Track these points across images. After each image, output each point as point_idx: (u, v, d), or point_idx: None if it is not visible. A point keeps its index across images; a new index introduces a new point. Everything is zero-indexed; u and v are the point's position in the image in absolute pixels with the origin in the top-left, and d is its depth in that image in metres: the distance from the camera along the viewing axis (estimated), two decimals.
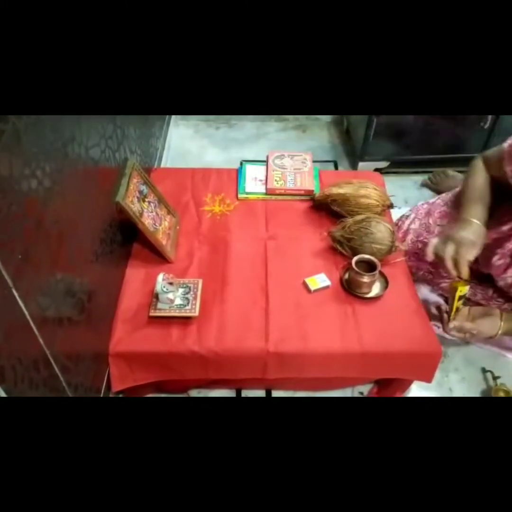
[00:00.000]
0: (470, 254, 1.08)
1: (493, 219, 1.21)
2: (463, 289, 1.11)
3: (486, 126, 1.85)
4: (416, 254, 1.42)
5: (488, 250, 1.22)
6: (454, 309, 1.14)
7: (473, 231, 1.12)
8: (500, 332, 1.16)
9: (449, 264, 1.09)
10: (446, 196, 1.47)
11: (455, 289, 1.11)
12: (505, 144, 1.15)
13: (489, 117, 1.83)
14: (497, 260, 1.20)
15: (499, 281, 1.24)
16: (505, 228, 1.17)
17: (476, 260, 1.18)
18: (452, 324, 1.14)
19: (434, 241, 1.15)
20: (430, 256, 1.14)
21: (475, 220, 1.14)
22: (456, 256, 1.09)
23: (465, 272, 1.08)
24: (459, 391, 1.35)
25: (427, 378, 1.17)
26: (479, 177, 1.23)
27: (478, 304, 1.30)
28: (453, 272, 1.10)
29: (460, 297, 1.13)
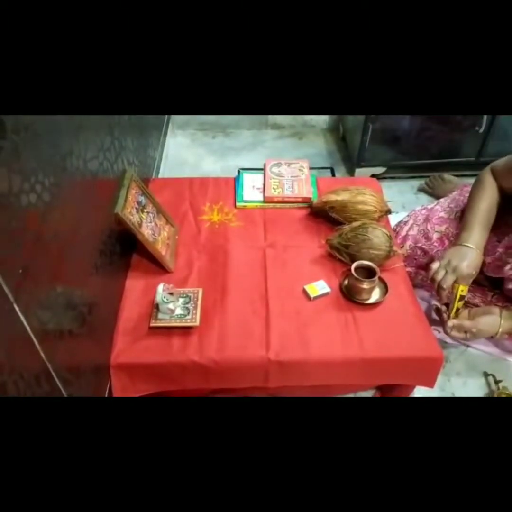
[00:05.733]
0: (465, 288, 1.16)
1: (504, 227, 1.22)
2: (464, 289, 1.12)
3: (481, 130, 1.86)
4: (415, 260, 1.43)
5: (500, 260, 1.22)
6: (454, 309, 1.14)
7: (475, 264, 1.15)
8: (500, 330, 1.16)
9: (444, 294, 1.15)
10: (445, 202, 1.48)
11: (456, 289, 1.12)
12: None
13: (484, 121, 1.84)
14: (509, 270, 1.20)
15: (509, 284, 1.23)
16: None
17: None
18: (451, 323, 1.14)
19: (434, 266, 1.18)
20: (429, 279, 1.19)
21: (476, 249, 1.16)
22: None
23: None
24: (461, 395, 1.35)
25: (429, 383, 1.17)
26: (487, 196, 1.22)
27: (476, 306, 1.30)
28: (444, 300, 1.17)
29: (461, 297, 1.13)
